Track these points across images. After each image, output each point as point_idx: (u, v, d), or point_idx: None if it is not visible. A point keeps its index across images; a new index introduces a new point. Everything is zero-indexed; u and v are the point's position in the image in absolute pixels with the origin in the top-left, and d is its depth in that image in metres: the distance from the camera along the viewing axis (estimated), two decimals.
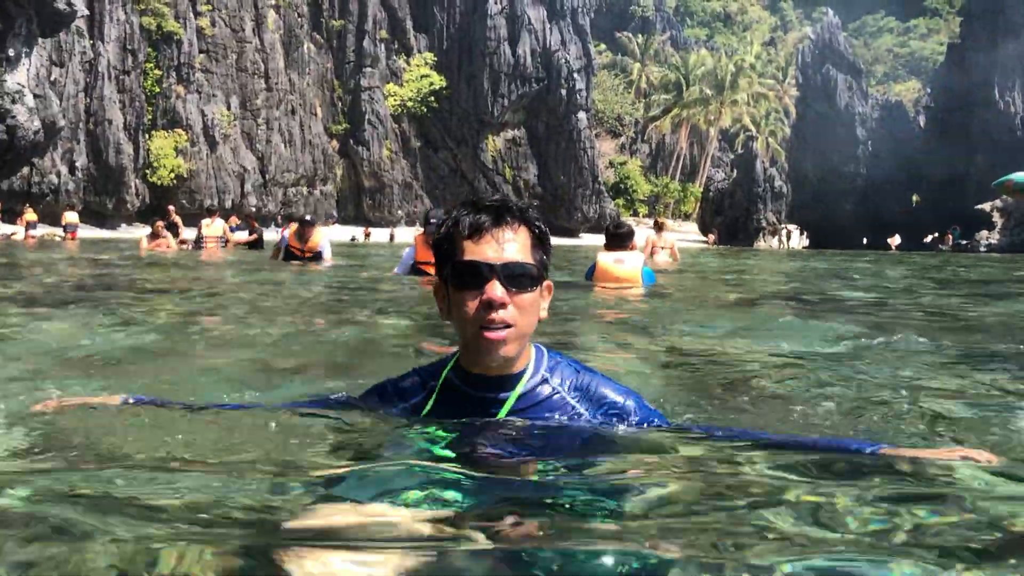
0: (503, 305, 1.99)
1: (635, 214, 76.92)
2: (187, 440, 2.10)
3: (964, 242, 53.43)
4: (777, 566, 1.29)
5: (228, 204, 52.33)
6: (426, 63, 65.60)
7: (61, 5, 37.90)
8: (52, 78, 45.31)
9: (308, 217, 13.29)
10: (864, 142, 64.26)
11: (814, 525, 1.48)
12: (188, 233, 24.17)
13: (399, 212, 63.05)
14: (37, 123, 40.71)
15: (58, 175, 45.36)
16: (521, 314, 2.02)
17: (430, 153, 66.04)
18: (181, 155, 53.05)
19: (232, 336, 4.89)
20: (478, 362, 2.09)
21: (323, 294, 8.26)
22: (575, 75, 65.69)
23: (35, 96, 41.70)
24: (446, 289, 2.10)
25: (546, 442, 2.05)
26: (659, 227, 16.78)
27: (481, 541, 1.43)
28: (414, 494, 1.65)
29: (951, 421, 2.66)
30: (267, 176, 57.78)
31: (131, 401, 2.39)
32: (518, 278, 2.02)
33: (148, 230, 19.80)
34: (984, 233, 53.62)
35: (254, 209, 50.75)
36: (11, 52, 37.37)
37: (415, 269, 9.28)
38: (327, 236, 14.11)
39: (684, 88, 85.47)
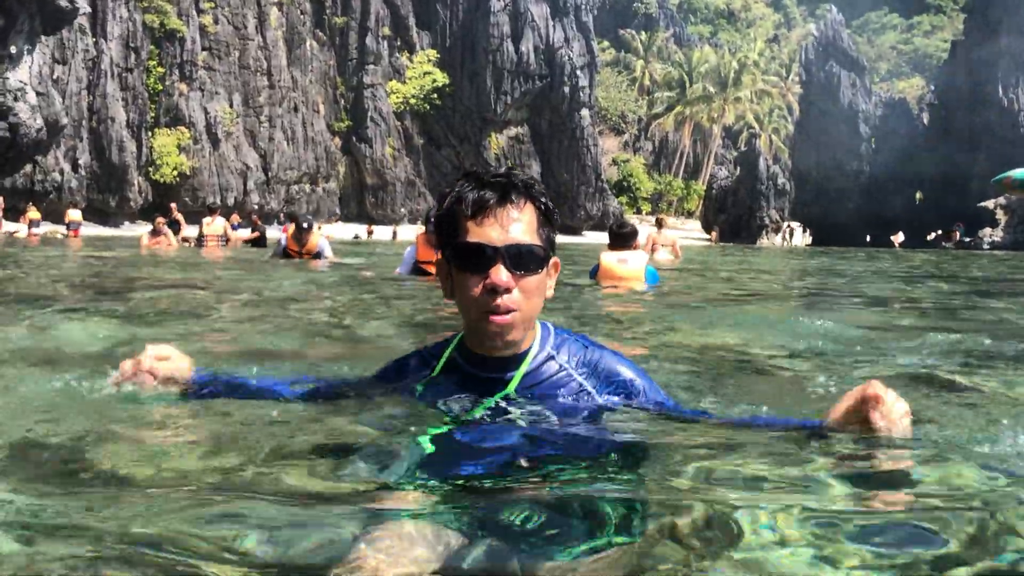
0: (508, 290, 1.92)
1: (638, 212, 76.85)
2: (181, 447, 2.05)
3: (967, 239, 53.35)
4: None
5: (231, 202, 52.34)
6: (429, 60, 65.56)
7: (63, 2, 37.92)
8: (55, 76, 45.31)
9: (305, 224, 12.92)
10: (867, 139, 64.24)
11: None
12: (190, 231, 24.15)
13: (402, 210, 63.04)
14: (40, 121, 40.73)
15: (61, 173, 45.36)
16: (527, 298, 1.96)
17: (433, 151, 66.02)
18: (184, 153, 53.09)
19: (224, 331, 4.87)
20: (484, 344, 2.03)
21: (319, 292, 8.23)
22: (578, 72, 65.63)
23: (38, 94, 41.72)
24: (448, 268, 2.03)
25: (547, 436, 1.98)
26: (660, 224, 16.77)
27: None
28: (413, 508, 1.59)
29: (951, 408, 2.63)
30: (270, 174, 57.80)
31: (195, 384, 2.32)
32: (524, 261, 1.95)
33: (150, 228, 19.80)
34: (987, 230, 53.56)
35: (257, 207, 50.79)
36: (13, 49, 37.40)
37: (416, 268, 9.20)
38: (325, 237, 14.09)
39: (687, 85, 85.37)
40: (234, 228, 22.98)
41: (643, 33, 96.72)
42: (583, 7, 70.07)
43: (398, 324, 5.50)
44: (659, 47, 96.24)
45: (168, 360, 2.28)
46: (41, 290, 8.08)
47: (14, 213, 35.06)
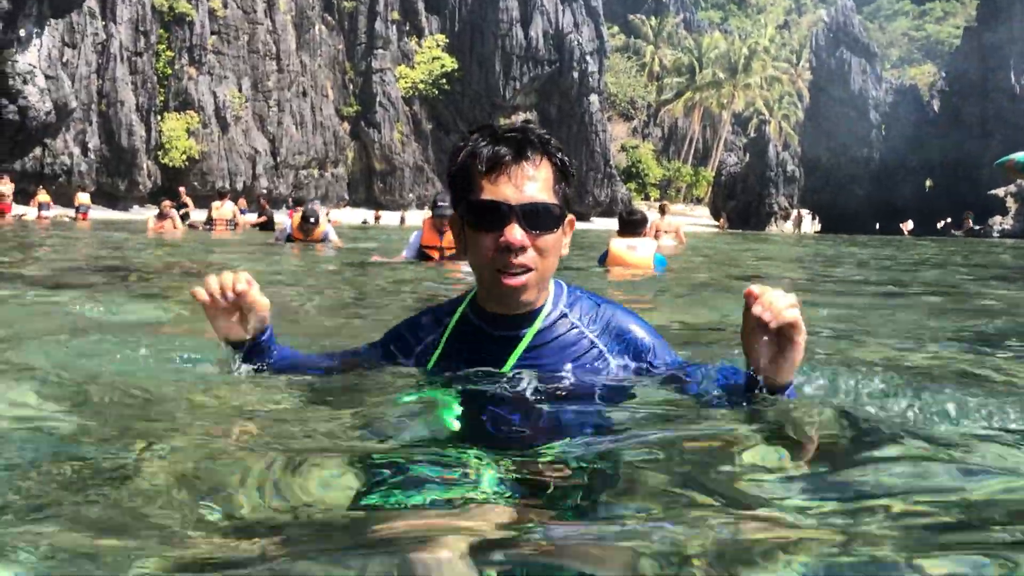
0: (523, 249, 1.89)
1: (647, 198, 76.70)
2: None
3: (977, 227, 53.11)
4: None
5: (239, 186, 52.40)
6: (438, 45, 65.39)
7: None
8: (64, 59, 45.34)
9: (312, 219, 12.98)
10: (877, 126, 63.91)
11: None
12: (198, 214, 24.28)
13: (410, 195, 63.01)
14: (49, 104, 40.83)
15: (70, 156, 45.43)
16: (542, 257, 1.93)
17: (441, 136, 65.90)
18: (193, 137, 53.13)
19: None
20: (497, 303, 2.01)
21: (322, 275, 8.27)
22: (588, 58, 65.38)
23: (47, 77, 41.80)
24: (462, 225, 1.99)
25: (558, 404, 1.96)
26: (663, 210, 16.76)
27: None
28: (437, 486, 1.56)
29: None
30: (278, 158, 57.81)
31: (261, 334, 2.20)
32: (540, 219, 1.90)
33: (156, 211, 19.91)
34: (998, 219, 53.29)
35: (265, 191, 50.88)
36: (22, 32, 37.47)
37: (421, 253, 9.32)
38: (330, 222, 14.17)
39: (697, 71, 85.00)
40: (242, 213, 23.14)
41: (653, 18, 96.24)
42: None
43: (397, 309, 5.53)
44: (669, 33, 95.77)
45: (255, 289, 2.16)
46: (66, 273, 8.14)
47: (24, 196, 35.18)
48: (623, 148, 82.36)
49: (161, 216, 18.83)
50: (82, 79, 46.45)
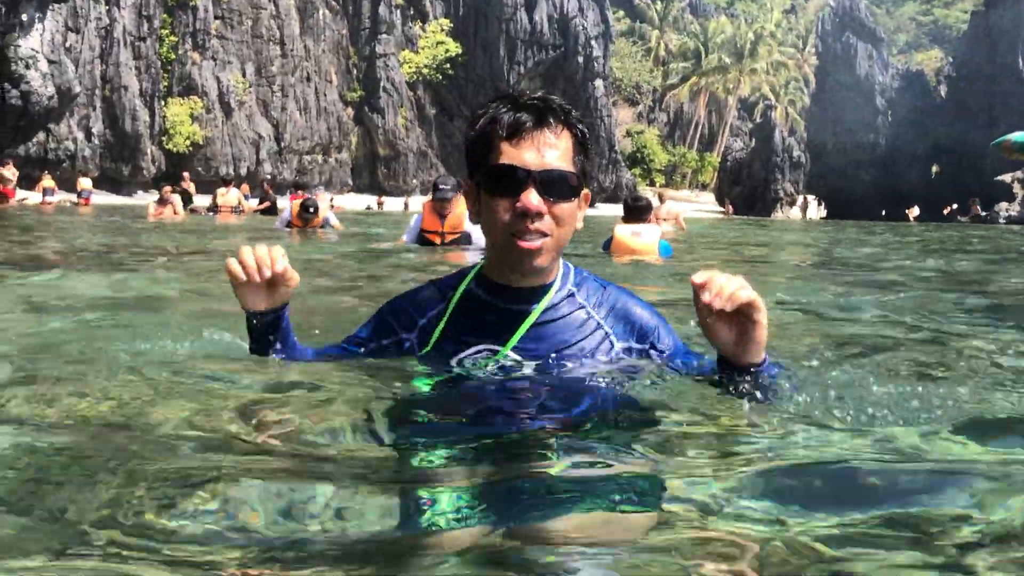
0: (539, 215, 1.88)
1: (652, 184, 76.52)
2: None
3: (983, 214, 52.95)
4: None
5: (243, 171, 52.41)
6: (442, 29, 65.19)
7: None
8: (67, 44, 45.26)
9: (311, 209, 12.97)
10: (883, 112, 63.71)
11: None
12: (200, 200, 24.37)
13: (414, 181, 62.95)
14: (51, 89, 40.79)
15: (74, 142, 45.44)
16: (558, 225, 1.92)
17: (445, 121, 65.81)
18: (197, 122, 53.13)
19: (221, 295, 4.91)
20: (509, 271, 1.99)
21: (322, 260, 8.26)
22: (592, 42, 65.13)
23: (50, 62, 41.75)
24: (477, 192, 1.98)
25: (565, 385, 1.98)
26: (660, 198, 16.71)
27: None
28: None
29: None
30: (282, 144, 57.81)
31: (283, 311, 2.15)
32: (557, 187, 1.90)
33: (157, 197, 19.97)
34: (1004, 205, 53.17)
35: (269, 177, 50.86)
36: (24, 17, 37.41)
37: (421, 238, 9.22)
38: (331, 209, 14.15)
39: (703, 56, 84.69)
40: (246, 198, 23.27)
41: (658, 3, 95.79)
42: None
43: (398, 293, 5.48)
44: (675, 17, 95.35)
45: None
46: (70, 254, 8.14)
47: (28, 181, 35.21)
48: (628, 133, 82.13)
49: (161, 201, 18.86)
50: (85, 64, 46.39)
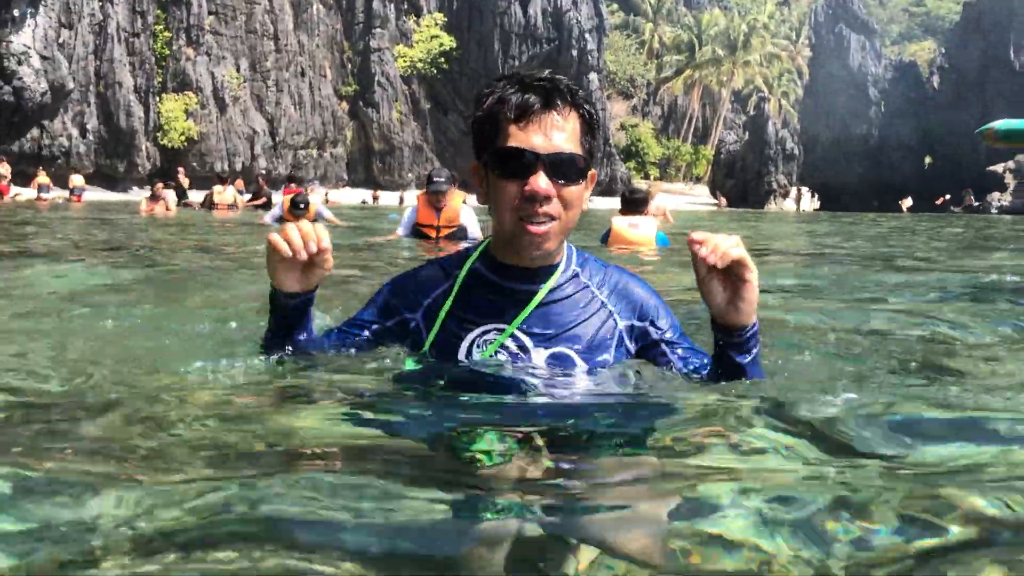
0: (548, 198, 1.88)
1: (646, 177, 76.57)
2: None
3: (976, 204, 53.14)
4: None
5: (238, 167, 52.37)
6: (436, 23, 65.13)
7: None
8: (60, 40, 45.20)
9: (302, 205, 12.80)
10: (877, 103, 63.77)
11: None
12: (194, 196, 24.54)
13: (409, 175, 62.93)
14: (44, 85, 40.77)
15: (69, 138, 45.40)
16: (566, 208, 1.92)
17: (440, 115, 65.79)
18: (191, 118, 53.04)
19: (215, 288, 5.02)
20: (517, 253, 1.99)
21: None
22: (586, 35, 65.11)
23: (43, 58, 41.73)
24: (484, 173, 1.98)
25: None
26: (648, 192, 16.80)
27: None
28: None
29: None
30: (277, 139, 57.74)
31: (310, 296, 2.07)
32: (565, 170, 1.89)
33: (149, 193, 20.02)
34: (996, 195, 53.33)
35: (264, 172, 50.82)
36: (16, 12, 37.37)
37: (416, 231, 9.04)
38: (323, 203, 14.13)
39: (696, 49, 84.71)
40: (240, 193, 23.42)
41: None
42: None
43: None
44: (668, 10, 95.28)
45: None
46: (60, 249, 8.24)
47: (23, 178, 35.22)
48: (622, 127, 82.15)
49: (153, 198, 18.82)
50: (79, 60, 46.31)
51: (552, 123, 1.89)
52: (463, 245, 8.32)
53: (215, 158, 53.23)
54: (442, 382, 1.99)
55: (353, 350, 2.14)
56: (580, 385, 1.99)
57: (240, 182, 27.64)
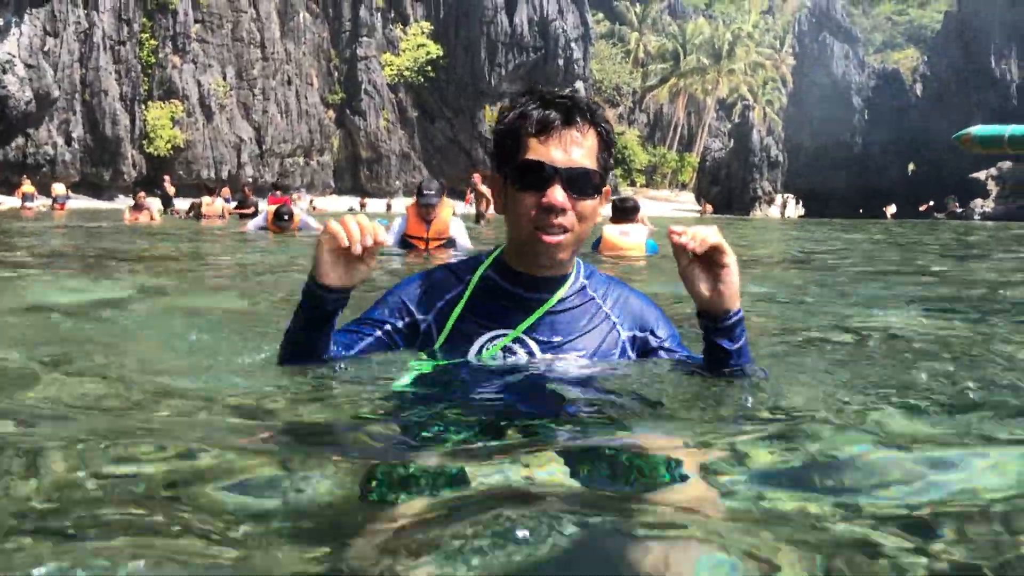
0: (564, 210, 1.94)
1: (632, 184, 76.87)
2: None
3: (959, 210, 53.55)
4: None
5: (224, 175, 52.35)
6: (423, 32, 65.29)
7: None
8: (46, 48, 45.16)
9: (286, 216, 12.86)
10: (860, 111, 64.21)
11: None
12: (180, 203, 24.56)
13: (396, 183, 63.00)
14: (29, 93, 40.69)
15: (54, 146, 45.35)
16: (580, 221, 1.99)
17: (427, 123, 65.89)
18: (177, 126, 53.00)
19: (203, 295, 5.08)
20: (530, 262, 2.06)
21: (300, 262, 8.16)
22: (573, 44, 65.37)
23: (28, 66, 41.66)
24: (503, 184, 2.04)
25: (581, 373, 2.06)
26: None
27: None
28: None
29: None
30: (263, 147, 57.72)
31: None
32: (581, 184, 1.96)
33: (132, 202, 19.94)
34: (979, 201, 53.75)
35: (251, 180, 50.82)
36: (0, 21, 37.29)
37: (404, 242, 8.89)
38: (307, 212, 14.12)
39: (682, 57, 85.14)
40: (227, 201, 23.44)
41: (637, 5, 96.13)
42: None
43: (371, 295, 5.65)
44: (653, 19, 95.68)
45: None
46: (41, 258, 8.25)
47: (7, 187, 35.15)
48: None
49: (137, 207, 18.69)
50: (64, 68, 46.26)
51: (571, 139, 1.96)
52: (452, 253, 8.44)
53: (201, 166, 53.21)
54: (451, 381, 2.02)
55: (362, 352, 2.15)
56: (582, 383, 2.04)
57: (226, 190, 27.64)
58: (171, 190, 29.14)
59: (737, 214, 55.34)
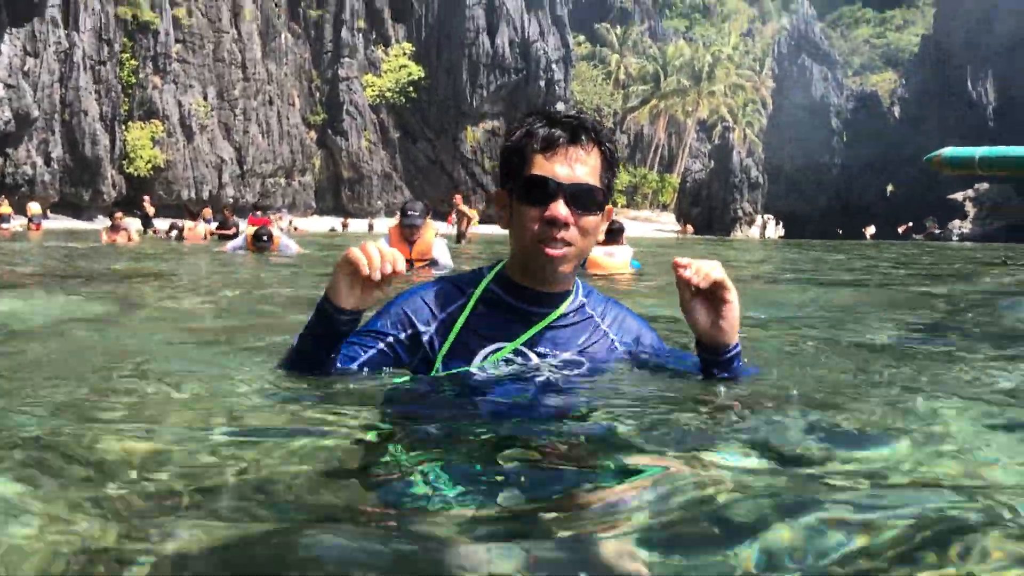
0: (566, 225, 1.99)
1: (614, 204, 76.92)
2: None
3: (937, 231, 54.11)
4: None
5: (205, 195, 52.19)
6: (404, 53, 65.56)
7: None
8: (26, 68, 44.98)
9: (265, 237, 12.90)
10: (839, 133, 64.83)
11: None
12: (160, 223, 24.47)
13: (378, 203, 63.02)
14: (8, 113, 40.49)
15: (33, 166, 45.08)
16: (582, 236, 2.03)
17: (409, 144, 66.03)
18: (158, 146, 52.81)
19: (176, 312, 5.06)
20: (533, 275, 2.11)
21: (282, 281, 8.17)
22: (554, 66, 65.79)
23: (7, 86, 41.46)
24: (509, 199, 2.09)
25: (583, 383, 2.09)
26: None
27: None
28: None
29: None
30: (245, 167, 57.59)
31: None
32: (584, 200, 2.01)
33: (109, 223, 19.82)
34: (956, 223, 54.33)
35: (231, 200, 50.64)
36: None
37: None
38: (286, 232, 14.14)
39: (662, 79, 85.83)
40: (207, 222, 23.37)
41: (618, 27, 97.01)
42: (558, 1, 70.26)
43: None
44: (634, 41, 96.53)
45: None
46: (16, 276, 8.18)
47: None
48: None
49: (115, 228, 18.57)
50: (44, 88, 46.06)
51: (576, 156, 2.01)
52: (434, 273, 8.46)
53: (182, 186, 53.02)
54: (453, 391, 2.05)
55: (364, 368, 2.16)
56: (585, 392, 2.07)
57: (208, 210, 27.55)
58: (151, 210, 29.05)
59: (718, 235, 55.62)
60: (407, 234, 8.83)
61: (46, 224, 30.86)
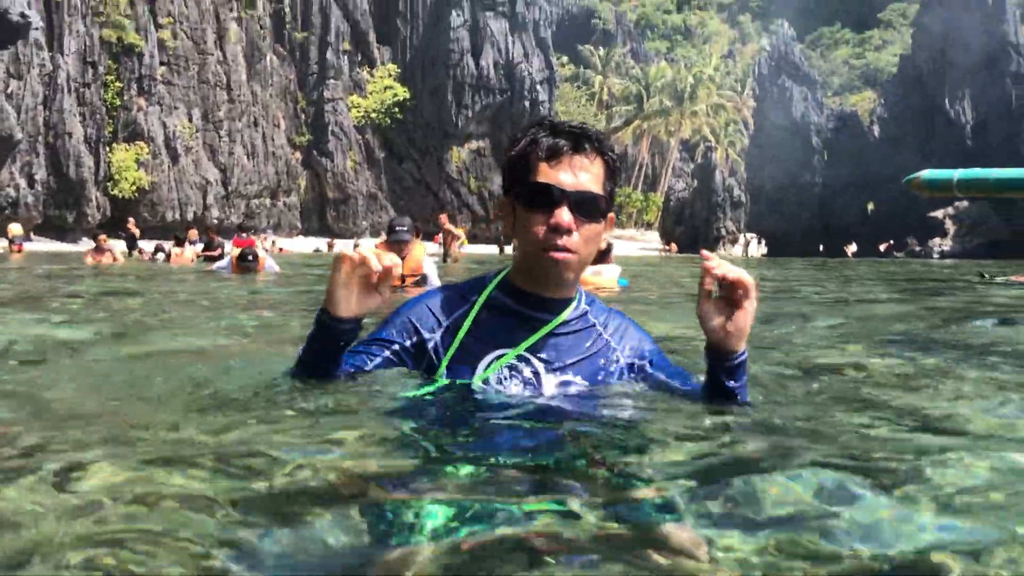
0: (569, 231, 2.02)
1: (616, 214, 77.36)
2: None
3: (918, 249, 54.65)
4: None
5: (190, 216, 52.08)
6: (390, 75, 65.87)
7: (14, 16, 37.60)
8: (9, 91, 44.91)
9: (250, 257, 12.87)
10: (820, 152, 65.39)
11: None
12: (145, 244, 24.42)
13: (363, 223, 63.09)
14: None
15: (17, 189, 44.93)
16: (585, 243, 2.06)
17: (394, 164, 66.21)
18: (143, 168, 52.70)
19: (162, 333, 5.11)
20: (536, 280, 2.14)
21: (268, 301, 8.07)
22: (538, 87, 66.24)
23: None
24: (513, 207, 2.13)
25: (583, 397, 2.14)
26: None
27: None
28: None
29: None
30: (230, 188, 57.54)
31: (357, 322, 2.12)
32: (587, 208, 2.04)
33: (93, 245, 19.72)
34: (937, 240, 54.87)
35: (216, 221, 50.60)
36: None
37: None
38: (270, 251, 14.16)
39: (645, 100, 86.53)
40: (192, 244, 23.41)
41: (601, 49, 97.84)
42: (542, 23, 70.84)
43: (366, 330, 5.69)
44: (617, 62, 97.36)
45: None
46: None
47: None
48: None
49: (99, 250, 18.44)
50: (28, 110, 45.97)
51: (579, 164, 2.05)
52: (424, 288, 8.52)
53: (167, 208, 52.95)
54: (456, 402, 2.07)
55: (370, 374, 2.19)
56: (585, 410, 2.09)
57: (193, 231, 27.53)
58: (136, 232, 29.05)
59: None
60: (395, 250, 8.39)
61: (29, 246, 30.60)
